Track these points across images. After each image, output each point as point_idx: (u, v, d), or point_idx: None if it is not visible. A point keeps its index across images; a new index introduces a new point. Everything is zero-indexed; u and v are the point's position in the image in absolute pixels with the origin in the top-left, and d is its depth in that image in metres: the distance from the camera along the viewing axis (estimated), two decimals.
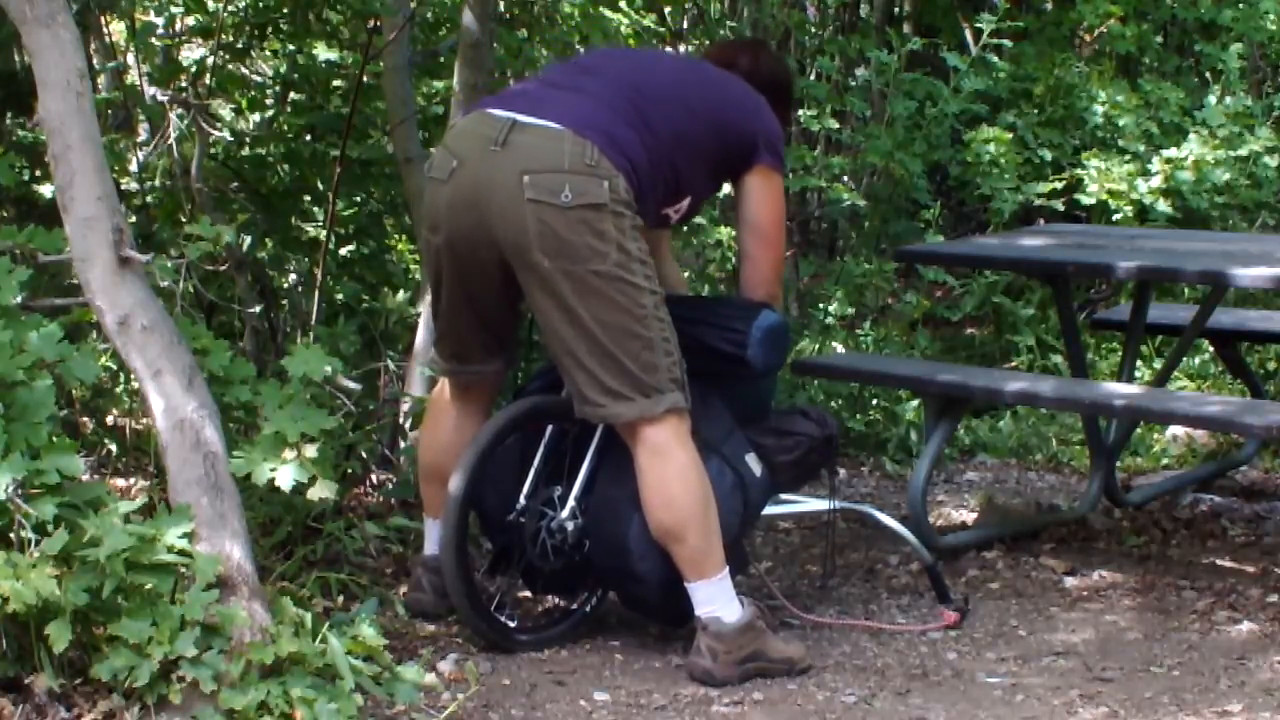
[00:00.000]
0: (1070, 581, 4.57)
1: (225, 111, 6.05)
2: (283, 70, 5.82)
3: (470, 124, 3.81)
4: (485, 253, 3.70)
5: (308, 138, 5.65)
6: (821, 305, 6.66)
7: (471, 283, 3.80)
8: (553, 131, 3.65)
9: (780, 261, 4.04)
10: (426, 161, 4.00)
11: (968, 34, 7.59)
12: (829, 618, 4.21)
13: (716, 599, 3.72)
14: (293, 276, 5.86)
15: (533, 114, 3.69)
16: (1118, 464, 5.39)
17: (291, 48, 5.70)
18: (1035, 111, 7.31)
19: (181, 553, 3.15)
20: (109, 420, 4.61)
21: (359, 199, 5.64)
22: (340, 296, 5.53)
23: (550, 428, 3.93)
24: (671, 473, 3.67)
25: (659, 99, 3.77)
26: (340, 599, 3.92)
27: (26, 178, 5.08)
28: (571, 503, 3.88)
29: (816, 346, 6.34)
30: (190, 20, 5.76)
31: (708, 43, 7.01)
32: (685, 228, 6.28)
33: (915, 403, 5.98)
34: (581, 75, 3.86)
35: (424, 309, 4.81)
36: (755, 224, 3.94)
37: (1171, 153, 7.01)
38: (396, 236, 6.03)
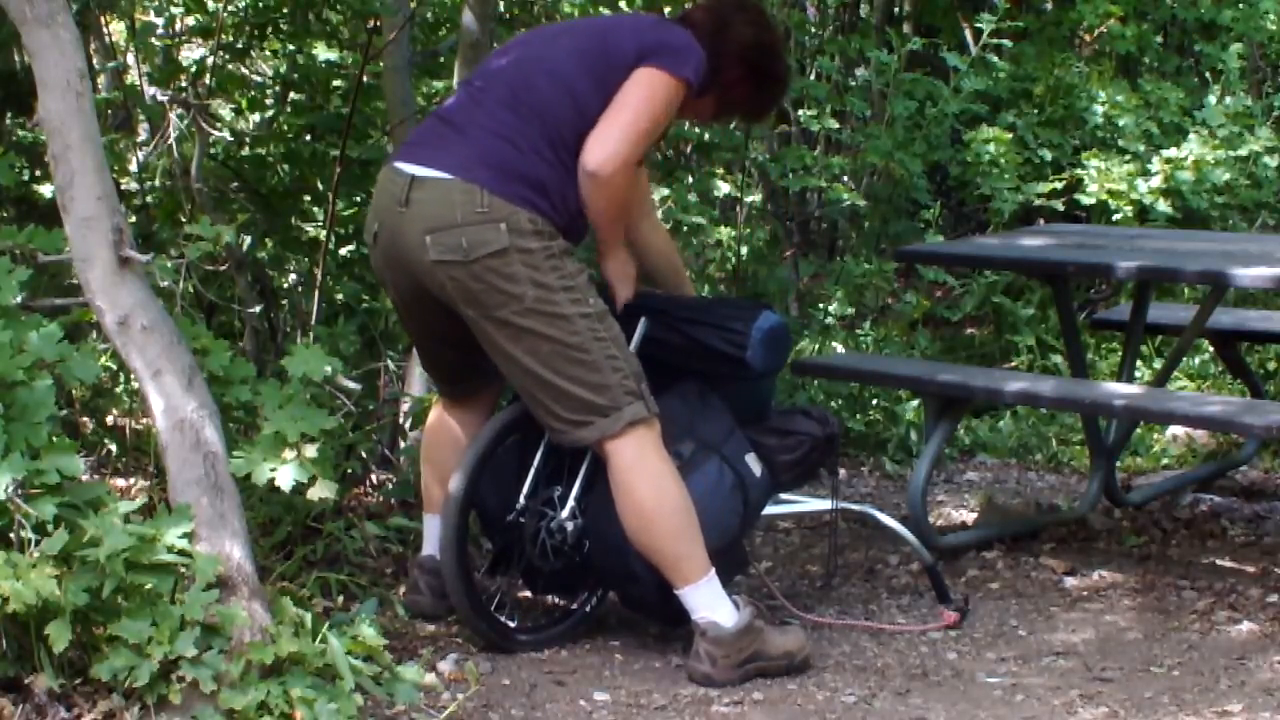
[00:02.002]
0: (1070, 581, 4.56)
1: (225, 111, 6.05)
2: (283, 70, 5.83)
3: (382, 182, 3.82)
4: (431, 301, 3.76)
5: (308, 138, 5.65)
6: (821, 305, 6.66)
7: (435, 324, 3.87)
8: (443, 183, 3.65)
9: (623, 140, 3.64)
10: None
11: (968, 34, 7.59)
12: (829, 618, 4.21)
13: (707, 602, 3.71)
14: (293, 276, 5.87)
15: (428, 164, 3.69)
16: (1118, 464, 5.39)
17: (291, 48, 5.70)
18: (1035, 111, 7.31)
19: (181, 553, 3.15)
20: (109, 420, 4.61)
21: (359, 199, 5.64)
22: (340, 296, 5.53)
23: None
24: (640, 484, 3.68)
25: (546, 93, 3.69)
26: (340, 599, 3.92)
27: (26, 178, 5.08)
28: (571, 503, 3.88)
29: (816, 346, 6.34)
30: (190, 20, 5.76)
31: None
32: (685, 228, 6.28)
33: (915, 403, 5.98)
34: (470, 99, 3.79)
35: None
36: (615, 100, 3.67)
37: (1171, 153, 7.01)
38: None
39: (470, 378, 3.99)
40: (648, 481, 3.67)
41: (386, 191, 3.76)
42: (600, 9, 6.37)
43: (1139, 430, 5.96)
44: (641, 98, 3.68)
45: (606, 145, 3.65)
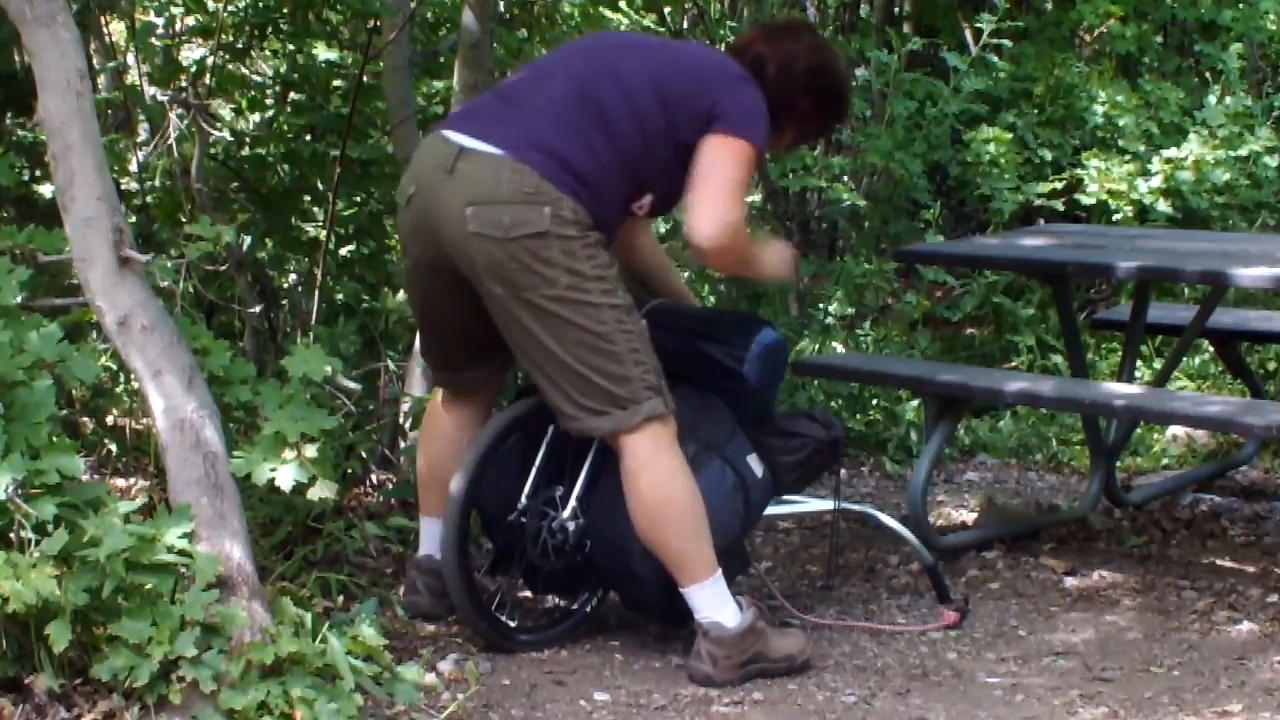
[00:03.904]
0: (1070, 581, 4.57)
1: (225, 111, 6.04)
2: (283, 70, 5.82)
3: (426, 148, 3.81)
4: (449, 276, 3.73)
5: (308, 138, 5.65)
6: (821, 305, 6.66)
7: (445, 302, 3.84)
8: (493, 159, 3.63)
9: (716, 217, 3.68)
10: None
11: (968, 34, 7.59)
12: (829, 618, 4.21)
13: (712, 603, 3.71)
14: (293, 276, 5.86)
15: (479, 137, 3.67)
16: (1118, 464, 5.39)
17: (291, 48, 5.70)
18: (1035, 111, 7.31)
19: (181, 553, 3.15)
20: (109, 420, 4.61)
21: (359, 199, 5.64)
22: (340, 296, 5.53)
23: (552, 428, 3.92)
24: (652, 480, 3.67)
25: (612, 99, 3.69)
26: (340, 599, 3.92)
27: (26, 178, 5.08)
28: (573, 503, 3.88)
29: (816, 346, 6.34)
30: (190, 20, 5.75)
31: (708, 43, 7.01)
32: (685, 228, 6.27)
33: (915, 403, 5.98)
34: (537, 84, 3.80)
35: None
36: (694, 178, 3.72)
37: (1171, 153, 7.01)
38: (396, 236, 6.02)
39: (471, 368, 3.97)
40: (661, 478, 3.67)
41: (430, 158, 3.74)
42: (600, 9, 6.37)
43: (1139, 430, 5.96)
44: (725, 165, 3.70)
45: (710, 217, 3.68)
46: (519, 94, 3.79)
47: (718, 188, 3.70)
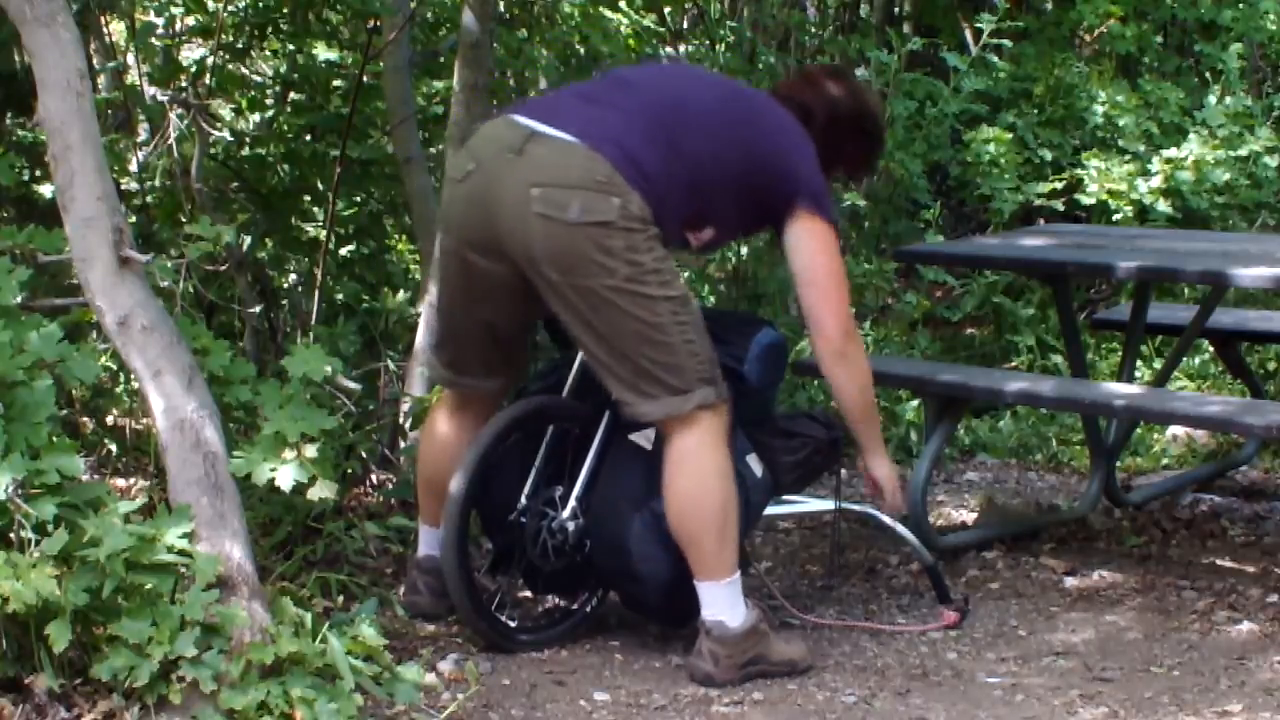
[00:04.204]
0: (1070, 581, 4.57)
1: (225, 111, 6.05)
2: (283, 70, 5.82)
3: (492, 128, 3.80)
4: (494, 259, 3.69)
5: (308, 138, 5.65)
6: None
7: (479, 289, 3.79)
8: (567, 145, 3.63)
9: (841, 312, 3.83)
10: (450, 161, 3.97)
11: (968, 34, 7.60)
12: (829, 618, 4.21)
13: (722, 603, 3.71)
14: (293, 276, 5.87)
15: (553, 125, 3.66)
16: (1118, 464, 5.39)
17: (291, 48, 5.70)
18: (1035, 111, 7.31)
19: (181, 553, 3.15)
20: (109, 420, 4.61)
21: (359, 199, 5.64)
22: (340, 296, 5.53)
23: (552, 428, 3.93)
24: (694, 469, 3.67)
25: (690, 121, 3.71)
26: (340, 599, 3.92)
27: (26, 178, 5.08)
28: (572, 503, 3.88)
29: None
30: (190, 20, 5.76)
31: (708, 43, 7.02)
32: None
33: (915, 403, 5.98)
34: (615, 90, 3.82)
35: (424, 309, 4.80)
36: (801, 276, 3.82)
37: (1171, 153, 7.02)
38: (396, 236, 6.03)
39: (479, 373, 3.94)
40: (703, 470, 3.67)
41: (496, 137, 3.72)
42: (600, 9, 6.37)
43: (1139, 430, 5.96)
44: (828, 259, 3.80)
45: (836, 315, 3.81)
46: (598, 96, 3.80)
47: (825, 290, 3.80)
